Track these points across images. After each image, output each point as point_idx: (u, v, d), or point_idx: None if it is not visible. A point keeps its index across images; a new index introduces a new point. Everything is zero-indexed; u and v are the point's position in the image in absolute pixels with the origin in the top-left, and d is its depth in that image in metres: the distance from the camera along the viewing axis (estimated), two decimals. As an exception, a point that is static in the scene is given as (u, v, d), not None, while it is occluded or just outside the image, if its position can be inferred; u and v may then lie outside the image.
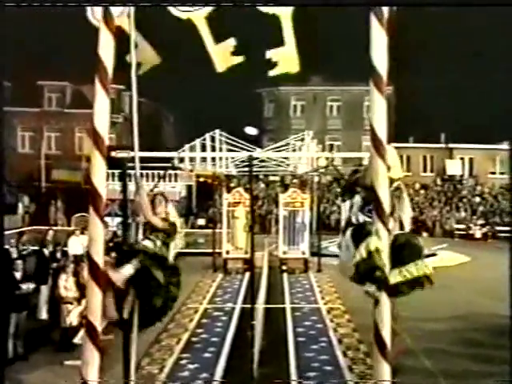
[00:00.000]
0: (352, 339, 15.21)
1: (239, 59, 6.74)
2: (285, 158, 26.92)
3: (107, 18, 6.23)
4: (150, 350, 14.31)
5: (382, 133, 6.38)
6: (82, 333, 12.71)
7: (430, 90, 49.63)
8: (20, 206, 42.77)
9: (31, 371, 12.85)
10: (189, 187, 44.27)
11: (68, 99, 48.91)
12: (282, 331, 16.12)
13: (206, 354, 14.14)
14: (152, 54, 7.23)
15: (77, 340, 13.27)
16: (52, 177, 47.57)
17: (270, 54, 6.81)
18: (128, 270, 7.15)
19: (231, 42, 6.69)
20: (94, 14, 6.59)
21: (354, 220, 7.23)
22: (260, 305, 16.14)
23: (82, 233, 19.81)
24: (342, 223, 7.59)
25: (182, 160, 23.89)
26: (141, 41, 7.21)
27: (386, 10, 6.53)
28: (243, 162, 24.84)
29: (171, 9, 6.68)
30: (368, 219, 6.95)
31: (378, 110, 6.39)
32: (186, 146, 23.97)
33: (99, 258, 6.23)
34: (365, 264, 6.72)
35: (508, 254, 30.01)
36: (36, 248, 19.60)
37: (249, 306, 14.87)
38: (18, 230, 36.09)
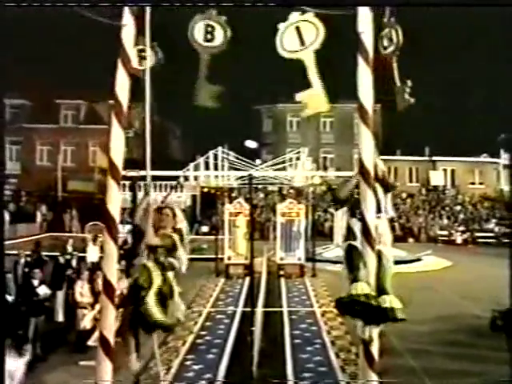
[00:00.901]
0: (344, 341, 15.11)
1: (215, 105, 6.69)
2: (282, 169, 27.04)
3: (124, 58, 6.23)
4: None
5: (369, 163, 6.39)
6: (95, 335, 12.79)
7: (415, 106, 49.66)
8: (38, 214, 42.79)
9: (49, 371, 12.84)
10: (193, 196, 44.24)
11: (82, 116, 49.05)
12: (280, 333, 16.05)
13: (210, 356, 14.07)
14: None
15: (91, 342, 13.28)
16: (68, 187, 47.67)
17: (300, 96, 6.79)
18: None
19: (218, 88, 6.64)
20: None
21: (354, 228, 7.22)
22: (259, 308, 16.10)
23: (95, 240, 19.84)
24: (341, 232, 7.58)
25: (186, 178, 24.01)
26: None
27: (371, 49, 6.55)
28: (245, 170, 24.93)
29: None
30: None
31: (365, 143, 6.41)
32: (191, 165, 24.05)
33: (113, 277, 6.26)
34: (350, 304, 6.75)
35: (486, 258, 30.35)
36: (53, 254, 19.69)
37: (249, 309, 14.84)
38: (36, 237, 36.34)
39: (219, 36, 6.57)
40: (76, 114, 49.36)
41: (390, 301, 6.73)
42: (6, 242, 21.41)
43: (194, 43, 6.64)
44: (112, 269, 6.29)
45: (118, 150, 6.21)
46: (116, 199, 6.14)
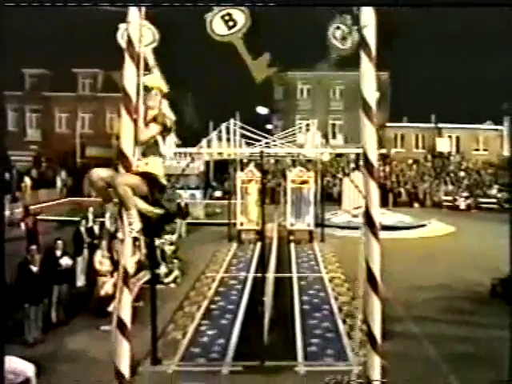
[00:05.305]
0: (350, 307, 15.09)
1: (273, 70, 6.75)
2: (292, 141, 27.00)
3: (130, 49, 6.26)
4: (175, 317, 14.53)
5: (374, 158, 6.45)
6: (115, 302, 12.98)
7: (422, 75, 49.28)
8: (58, 179, 43.06)
9: (71, 335, 13.10)
10: (207, 162, 44.26)
11: (99, 84, 48.99)
12: (289, 299, 16.23)
13: (223, 321, 14.31)
14: (161, 82, 7.12)
15: (111, 308, 13.49)
16: (86, 153, 47.87)
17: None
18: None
19: (266, 57, 6.70)
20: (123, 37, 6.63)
21: None
22: (270, 274, 16.21)
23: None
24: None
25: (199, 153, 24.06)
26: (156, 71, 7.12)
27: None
28: (256, 140, 24.86)
29: (212, 34, 6.71)
30: None
31: (369, 138, 6.47)
32: (204, 141, 24.02)
33: (130, 267, 6.39)
34: None
35: (488, 224, 30.44)
36: (74, 219, 19.88)
37: (260, 275, 14.90)
38: (56, 202, 36.68)
39: (240, 21, 6.65)
40: (93, 83, 49.30)
41: None
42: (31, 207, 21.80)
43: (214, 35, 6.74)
44: (128, 258, 6.41)
45: (128, 140, 6.28)
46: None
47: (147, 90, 6.63)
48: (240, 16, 6.68)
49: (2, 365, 5.75)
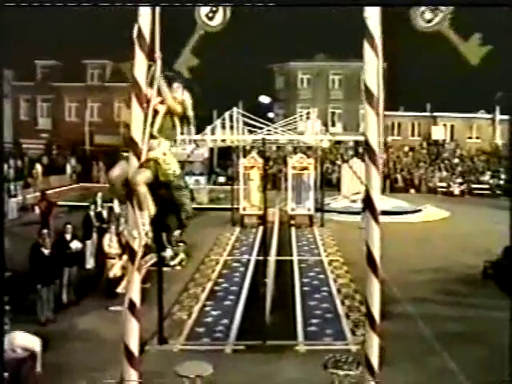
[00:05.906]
0: (349, 289, 15.29)
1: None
2: (293, 128, 26.90)
3: (141, 41, 6.21)
4: (180, 298, 14.55)
5: (375, 144, 6.38)
6: (123, 283, 13.01)
7: (418, 65, 48.98)
8: (68, 166, 43.02)
9: (81, 315, 13.08)
10: (211, 149, 44.11)
11: (108, 75, 48.78)
12: (290, 281, 16.20)
13: (227, 302, 14.31)
14: None
15: (120, 289, 13.52)
16: (95, 141, 47.72)
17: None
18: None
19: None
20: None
21: None
22: (272, 257, 16.19)
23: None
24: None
25: (203, 140, 24.00)
26: None
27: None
28: (259, 128, 24.76)
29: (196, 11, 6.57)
30: None
31: (371, 124, 6.40)
32: (208, 128, 23.94)
33: (139, 250, 6.35)
34: None
35: (481, 209, 30.33)
36: (83, 204, 19.88)
37: (262, 258, 14.87)
38: (67, 188, 36.65)
39: (219, 17, 6.56)
40: (102, 73, 49.09)
41: None
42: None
43: (197, 17, 6.65)
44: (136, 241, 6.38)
45: (138, 129, 6.24)
46: None
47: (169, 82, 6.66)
48: (219, 16, 6.61)
49: (1, 356, 5.75)
